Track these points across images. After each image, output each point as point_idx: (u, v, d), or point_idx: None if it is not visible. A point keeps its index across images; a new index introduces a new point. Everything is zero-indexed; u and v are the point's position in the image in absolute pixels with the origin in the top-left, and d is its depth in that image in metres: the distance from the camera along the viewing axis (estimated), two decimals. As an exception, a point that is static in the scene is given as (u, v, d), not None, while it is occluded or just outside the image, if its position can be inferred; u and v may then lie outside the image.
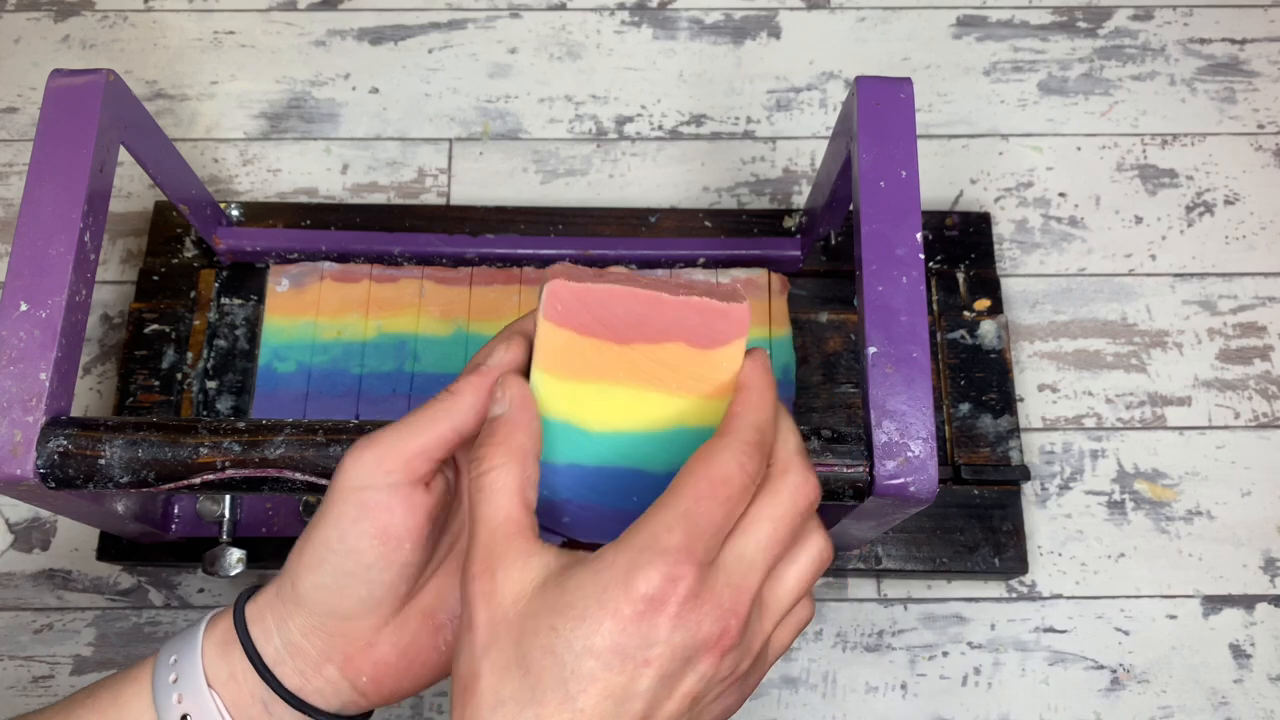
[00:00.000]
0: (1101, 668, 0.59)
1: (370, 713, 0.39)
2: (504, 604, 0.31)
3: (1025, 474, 0.60)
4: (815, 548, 0.34)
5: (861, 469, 0.42)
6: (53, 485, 0.42)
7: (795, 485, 0.33)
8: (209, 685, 0.36)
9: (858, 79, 0.47)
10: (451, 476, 0.37)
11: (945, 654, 0.60)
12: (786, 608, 0.34)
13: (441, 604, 0.37)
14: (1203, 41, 0.74)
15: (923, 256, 0.44)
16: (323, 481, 0.41)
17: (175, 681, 0.36)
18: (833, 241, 0.65)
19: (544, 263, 0.63)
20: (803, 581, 0.33)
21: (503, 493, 0.32)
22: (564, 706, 0.29)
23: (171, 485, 0.42)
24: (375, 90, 0.72)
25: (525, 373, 0.35)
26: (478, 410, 0.34)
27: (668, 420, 0.35)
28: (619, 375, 0.35)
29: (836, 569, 0.59)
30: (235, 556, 0.55)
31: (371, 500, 0.34)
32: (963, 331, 0.63)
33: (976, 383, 0.62)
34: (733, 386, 0.35)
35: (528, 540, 0.32)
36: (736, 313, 0.34)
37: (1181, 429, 0.64)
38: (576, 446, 0.36)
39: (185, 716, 0.35)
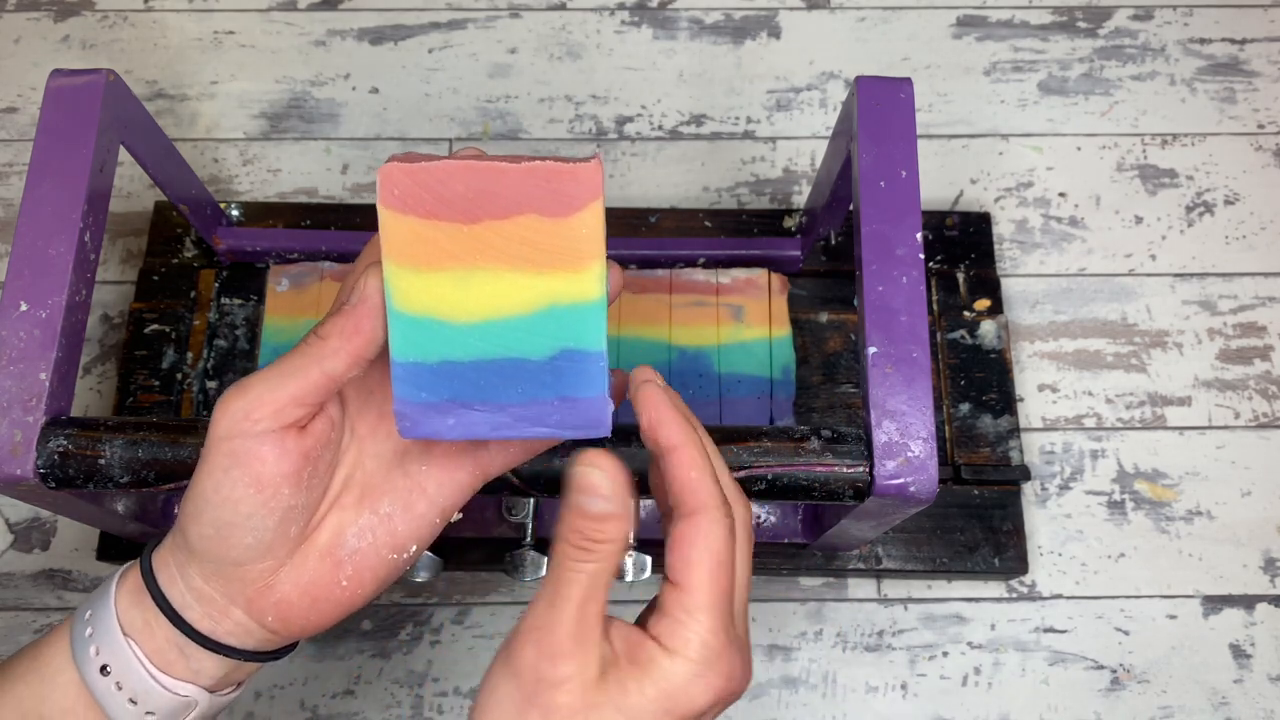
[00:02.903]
0: (1101, 668, 0.59)
1: (293, 646, 0.39)
2: (575, 693, 0.32)
3: (1025, 474, 0.60)
4: (746, 547, 0.36)
5: (861, 469, 0.42)
6: (53, 485, 0.42)
7: (744, 520, 0.35)
8: (125, 634, 0.36)
9: (858, 79, 0.47)
10: (336, 414, 0.36)
11: (945, 654, 0.60)
12: None
13: (339, 540, 0.36)
14: (1203, 41, 0.74)
15: (923, 256, 0.44)
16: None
17: (91, 635, 0.36)
18: (833, 241, 0.65)
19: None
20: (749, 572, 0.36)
21: (605, 583, 0.33)
22: None
23: (171, 485, 0.42)
24: (375, 90, 0.72)
25: None
26: (348, 351, 0.34)
27: (537, 300, 0.33)
28: (475, 258, 0.33)
29: (836, 569, 0.59)
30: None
31: (241, 449, 0.33)
32: (963, 331, 0.63)
33: (976, 383, 0.62)
34: (598, 255, 0.33)
35: (602, 629, 0.33)
36: (585, 172, 0.32)
37: (1181, 429, 0.64)
38: (446, 341, 0.34)
39: (104, 667, 0.36)
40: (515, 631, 0.33)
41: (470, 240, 0.32)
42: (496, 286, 0.33)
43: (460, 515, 0.42)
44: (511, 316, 0.33)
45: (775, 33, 0.74)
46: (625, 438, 0.42)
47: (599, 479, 0.32)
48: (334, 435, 0.36)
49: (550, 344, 0.34)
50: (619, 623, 0.33)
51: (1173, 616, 0.61)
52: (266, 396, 0.33)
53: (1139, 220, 0.69)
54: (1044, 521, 0.62)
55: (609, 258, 0.36)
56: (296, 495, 0.35)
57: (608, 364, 0.34)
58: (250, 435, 0.33)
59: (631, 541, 0.33)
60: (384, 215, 0.32)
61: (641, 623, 0.34)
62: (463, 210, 0.32)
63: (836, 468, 0.42)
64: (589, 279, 0.33)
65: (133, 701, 0.36)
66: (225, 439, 0.34)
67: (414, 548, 0.38)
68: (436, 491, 0.37)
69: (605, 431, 0.34)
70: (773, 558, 0.59)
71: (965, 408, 0.62)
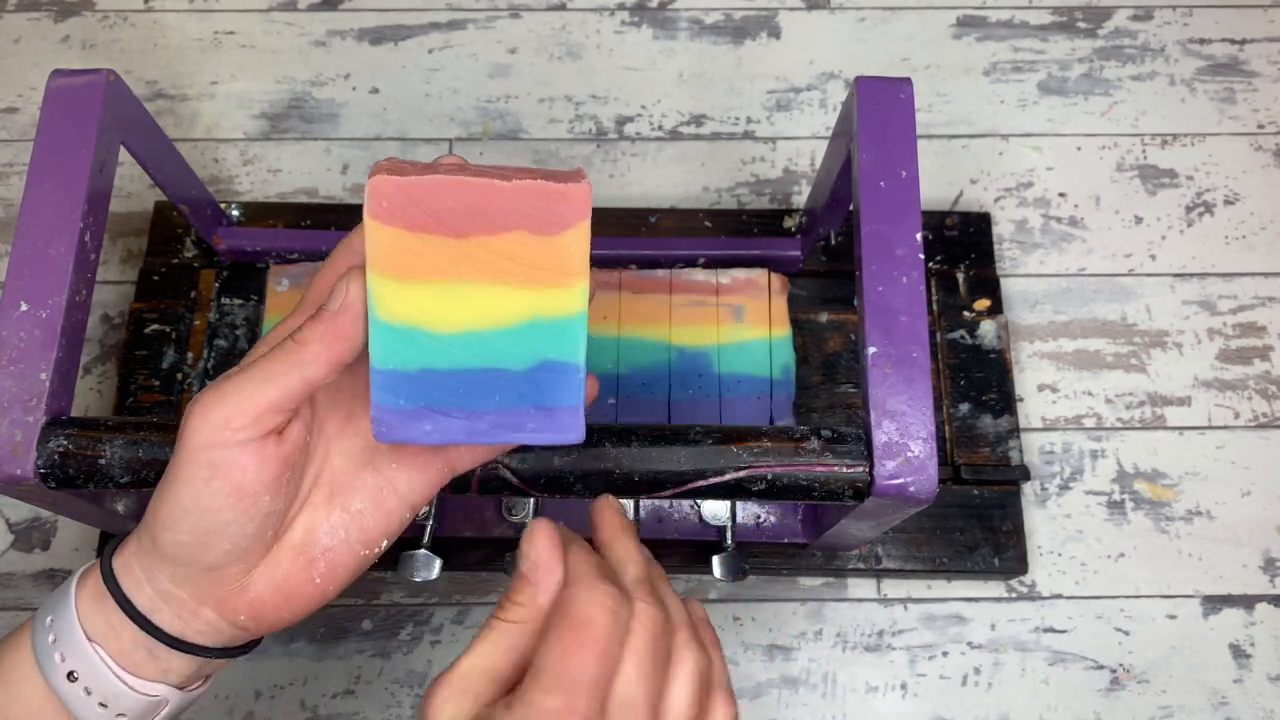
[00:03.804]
0: (1101, 668, 0.59)
1: (260, 639, 0.39)
2: None
3: (1025, 474, 0.60)
4: (689, 664, 0.34)
5: (861, 469, 0.42)
6: (53, 485, 0.42)
7: (641, 613, 0.33)
8: (89, 639, 0.36)
9: (858, 79, 0.47)
10: (309, 416, 0.36)
11: (945, 654, 0.60)
12: None
13: (311, 538, 0.36)
14: (1203, 42, 0.74)
15: (923, 256, 0.44)
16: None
17: (55, 641, 0.36)
18: (833, 241, 0.65)
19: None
20: (689, 697, 0.33)
21: (504, 649, 0.33)
22: None
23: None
24: (375, 90, 0.72)
25: None
26: (328, 357, 0.33)
27: (520, 314, 0.34)
28: (460, 271, 0.33)
29: (836, 569, 0.59)
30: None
31: (222, 459, 0.33)
32: (963, 331, 0.63)
33: (976, 383, 0.62)
34: (582, 271, 0.33)
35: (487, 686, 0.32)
36: (576, 193, 0.32)
37: (1181, 429, 0.64)
38: (426, 350, 0.34)
39: (71, 673, 0.35)
40: None
41: (458, 254, 0.33)
42: (481, 299, 0.33)
43: (429, 508, 0.42)
44: (494, 328, 0.34)
45: (775, 33, 0.74)
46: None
47: (531, 548, 0.33)
48: (306, 438, 0.36)
49: (531, 355, 0.34)
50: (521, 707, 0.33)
51: (1172, 616, 0.61)
52: (246, 404, 0.33)
53: (1139, 220, 0.69)
54: (1044, 521, 0.62)
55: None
56: (275, 501, 0.35)
57: (584, 374, 0.35)
58: (230, 445, 0.33)
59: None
60: (370, 226, 0.32)
61: None
62: (452, 225, 0.32)
63: (836, 468, 0.42)
64: (573, 294, 0.34)
65: (103, 705, 0.36)
66: (205, 449, 0.33)
67: (384, 542, 0.38)
68: (407, 488, 0.38)
69: (579, 439, 0.35)
70: (773, 558, 0.59)
71: (965, 408, 0.62)
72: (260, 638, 0.39)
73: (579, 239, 0.33)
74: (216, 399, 0.33)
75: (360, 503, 0.37)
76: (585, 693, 0.30)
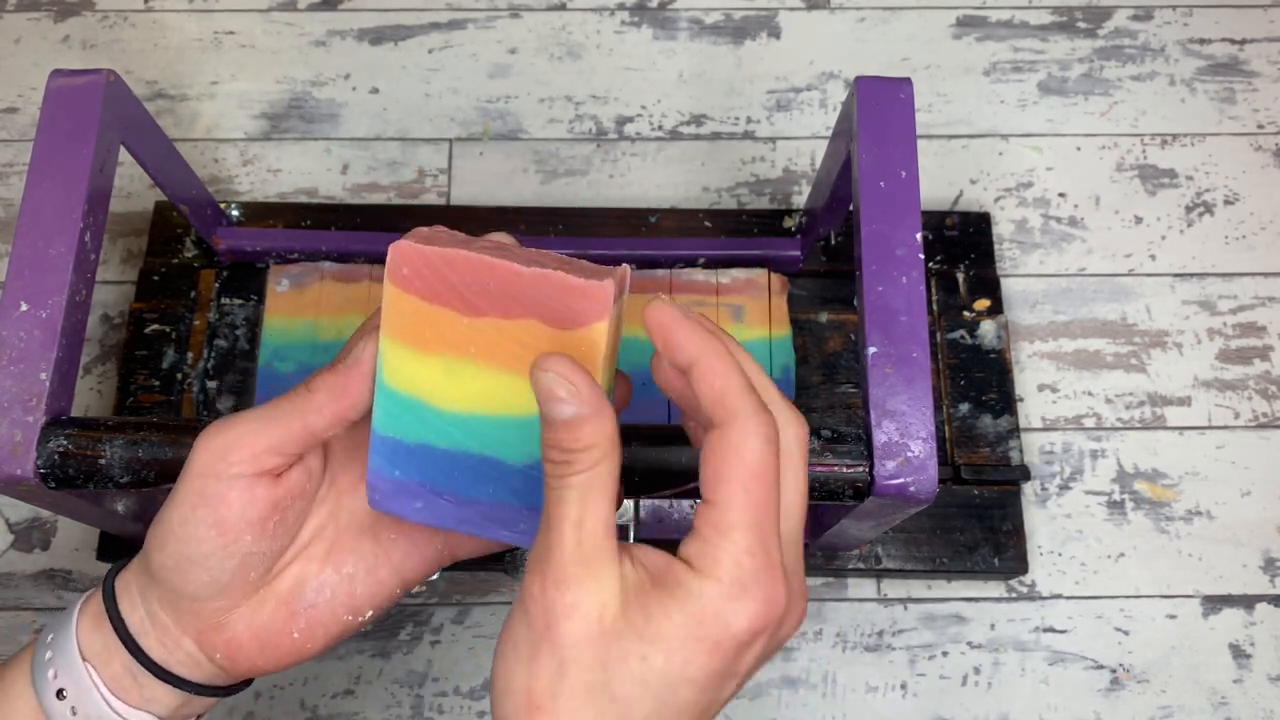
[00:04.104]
0: (1101, 668, 0.59)
1: (248, 682, 0.38)
2: (589, 620, 0.28)
3: (1025, 474, 0.60)
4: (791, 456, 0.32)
5: (861, 469, 0.42)
6: (53, 485, 0.42)
7: (797, 434, 0.31)
8: (83, 659, 0.36)
9: (858, 79, 0.47)
10: (315, 465, 0.36)
11: (945, 654, 0.60)
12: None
13: (299, 592, 0.36)
14: (1203, 41, 0.74)
15: (923, 256, 0.44)
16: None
17: (50, 658, 0.36)
18: (833, 241, 0.65)
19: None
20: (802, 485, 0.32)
21: (599, 495, 0.29)
22: None
23: (172, 485, 0.42)
24: (375, 90, 0.72)
25: None
26: (332, 410, 0.33)
27: (523, 406, 0.32)
28: (470, 350, 0.32)
29: (836, 569, 0.59)
30: None
31: (210, 490, 0.33)
32: (963, 331, 0.63)
33: (976, 383, 0.62)
34: (593, 373, 0.30)
35: (614, 550, 0.29)
36: (597, 292, 0.30)
37: (1181, 429, 0.64)
38: (426, 425, 0.33)
39: (61, 691, 0.35)
40: (526, 574, 0.30)
41: (469, 331, 0.32)
42: (487, 383, 0.32)
43: (423, 587, 0.41)
44: (495, 415, 0.33)
45: (775, 33, 0.74)
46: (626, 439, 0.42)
47: (554, 383, 0.29)
48: (310, 487, 0.36)
49: (529, 451, 0.33)
50: (644, 548, 0.30)
51: (1172, 616, 0.61)
52: (248, 438, 0.33)
53: (1139, 220, 0.69)
54: (1044, 521, 0.62)
55: (622, 373, 0.34)
56: (259, 543, 0.34)
57: None
58: (222, 477, 0.33)
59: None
60: (389, 290, 0.32)
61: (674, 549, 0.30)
62: (468, 302, 0.32)
63: (836, 468, 0.42)
64: None
65: None
66: (199, 476, 0.33)
67: (370, 612, 0.37)
68: (402, 562, 0.37)
69: None
70: (773, 558, 0.58)
71: (965, 408, 0.62)
72: (246, 682, 0.38)
73: (595, 338, 0.31)
74: (223, 428, 0.34)
75: (353, 566, 0.37)
76: (776, 542, 0.29)
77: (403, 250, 0.31)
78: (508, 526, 0.35)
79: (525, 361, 0.31)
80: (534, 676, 0.29)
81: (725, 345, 0.31)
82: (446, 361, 0.32)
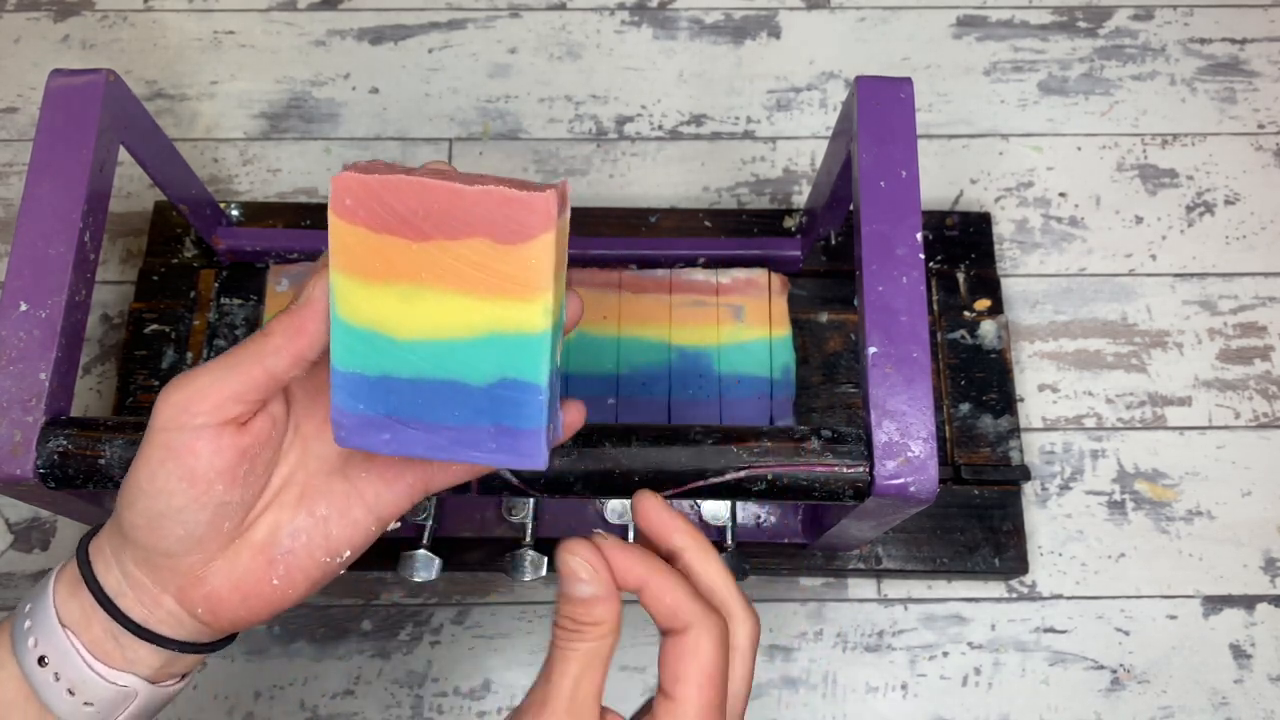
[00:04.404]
0: (1101, 668, 0.59)
1: (232, 637, 0.39)
2: None
3: (1025, 474, 0.60)
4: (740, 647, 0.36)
5: (862, 469, 0.42)
6: (53, 485, 0.42)
7: (749, 631, 0.35)
8: (62, 625, 0.36)
9: (858, 79, 0.47)
10: (279, 412, 0.36)
11: (945, 654, 0.60)
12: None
13: (275, 539, 0.36)
14: (1203, 41, 0.74)
15: (923, 256, 0.44)
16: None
17: (30, 627, 0.36)
18: (833, 241, 0.65)
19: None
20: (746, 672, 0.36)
21: (598, 662, 0.33)
22: None
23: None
24: (375, 90, 0.72)
25: None
26: (290, 351, 0.33)
27: (480, 325, 0.33)
28: (421, 276, 0.32)
29: (836, 569, 0.59)
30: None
31: (176, 443, 0.33)
32: (963, 331, 0.63)
33: (976, 383, 0.62)
34: (545, 287, 0.32)
35: (598, 714, 0.33)
36: (540, 203, 0.31)
37: (1182, 429, 0.64)
38: (387, 356, 0.33)
39: (42, 658, 0.35)
40: (518, 709, 0.33)
41: (419, 257, 0.32)
42: (441, 307, 0.32)
43: (399, 524, 0.41)
44: (454, 339, 0.33)
45: (775, 33, 0.74)
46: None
47: (579, 566, 0.33)
48: (275, 434, 0.36)
49: (490, 371, 0.33)
50: (615, 715, 0.34)
51: (1173, 617, 0.61)
52: (208, 390, 0.33)
53: (1139, 220, 0.69)
54: (1044, 521, 0.62)
55: (571, 287, 0.35)
56: (231, 492, 0.34)
57: (549, 398, 0.33)
58: (187, 429, 0.33)
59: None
60: (334, 223, 0.32)
61: None
62: (414, 227, 0.32)
63: (836, 468, 0.42)
64: (534, 310, 0.32)
65: (71, 692, 0.36)
66: (162, 430, 0.34)
67: (348, 553, 0.37)
68: (375, 500, 0.37)
69: (541, 465, 0.34)
70: (773, 558, 0.58)
71: (965, 408, 0.61)
72: (230, 637, 0.39)
73: (542, 251, 0.31)
74: (182, 383, 0.34)
75: (326, 508, 0.37)
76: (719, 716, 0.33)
77: (344, 181, 0.31)
78: (478, 447, 0.35)
79: (477, 282, 0.32)
80: None
81: (693, 543, 0.35)
82: (399, 289, 0.32)
